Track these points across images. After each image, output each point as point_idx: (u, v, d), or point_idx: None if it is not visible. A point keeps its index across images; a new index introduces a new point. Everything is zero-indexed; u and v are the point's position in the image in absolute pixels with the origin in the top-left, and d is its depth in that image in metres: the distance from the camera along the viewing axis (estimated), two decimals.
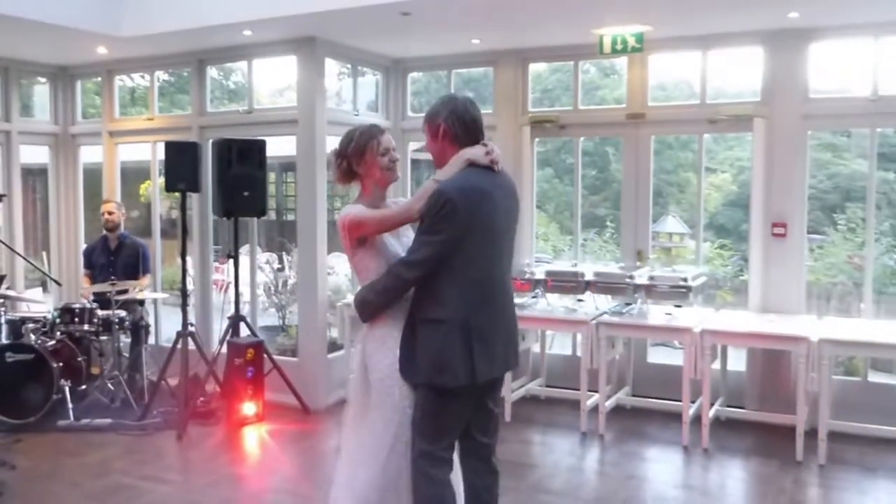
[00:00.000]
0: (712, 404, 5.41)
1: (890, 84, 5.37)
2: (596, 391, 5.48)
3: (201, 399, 5.93)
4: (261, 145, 5.98)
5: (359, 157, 3.09)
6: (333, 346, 6.46)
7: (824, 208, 11.70)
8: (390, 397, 3.03)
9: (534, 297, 5.92)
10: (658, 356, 6.64)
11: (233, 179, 5.82)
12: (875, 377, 5.82)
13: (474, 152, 3.02)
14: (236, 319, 6.09)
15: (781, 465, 4.90)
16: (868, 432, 5.22)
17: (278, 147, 7.12)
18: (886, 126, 6.10)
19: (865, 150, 11.96)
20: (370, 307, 3.05)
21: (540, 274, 5.83)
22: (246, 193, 5.88)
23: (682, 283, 5.30)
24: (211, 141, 6.35)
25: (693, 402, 5.27)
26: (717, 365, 5.65)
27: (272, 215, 13.66)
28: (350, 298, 5.10)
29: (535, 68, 7.08)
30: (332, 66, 6.61)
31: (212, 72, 7.04)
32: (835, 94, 5.71)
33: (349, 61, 6.64)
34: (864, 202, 6.12)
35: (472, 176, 2.98)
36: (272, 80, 12.88)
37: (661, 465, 5.08)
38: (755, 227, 5.68)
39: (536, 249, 8.80)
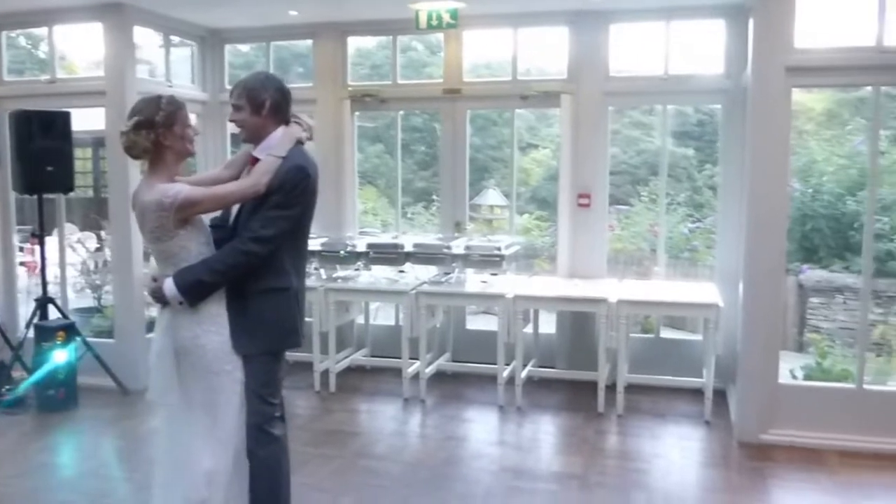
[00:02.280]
0: (525, 365, 5.76)
1: (679, 64, 5.86)
2: (418, 359, 5.68)
3: (7, 387, 5.59)
4: (65, 117, 5.67)
5: (168, 128, 2.97)
6: (152, 325, 6.25)
7: (633, 181, 12.58)
8: (230, 376, 3.04)
9: (356, 269, 6.01)
10: (478, 323, 6.95)
11: (35, 153, 5.49)
12: (666, 333, 6.40)
13: (299, 130, 3.13)
14: (44, 302, 5.77)
15: (586, 417, 5.31)
16: (660, 383, 5.76)
17: (93, 120, 6.74)
18: (676, 103, 6.64)
19: (668, 127, 12.89)
20: (206, 288, 3.01)
21: (362, 247, 5.92)
22: (50, 168, 5.56)
23: (496, 252, 5.57)
24: (8, 112, 5.94)
25: (508, 364, 5.57)
26: (530, 329, 6.02)
27: (89, 192, 12.98)
28: None
29: (363, 44, 7.13)
30: (151, 36, 6.36)
31: (16, 38, 6.54)
32: (632, 72, 6.12)
33: (161, 30, 6.39)
34: (668, 175, 6.66)
35: (304, 152, 3.13)
36: (87, 50, 12.14)
37: (479, 425, 5.35)
38: (563, 198, 6.04)
39: (365, 224, 8.91)
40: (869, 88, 4.86)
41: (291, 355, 6.47)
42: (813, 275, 8.24)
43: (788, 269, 8.41)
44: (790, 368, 6.03)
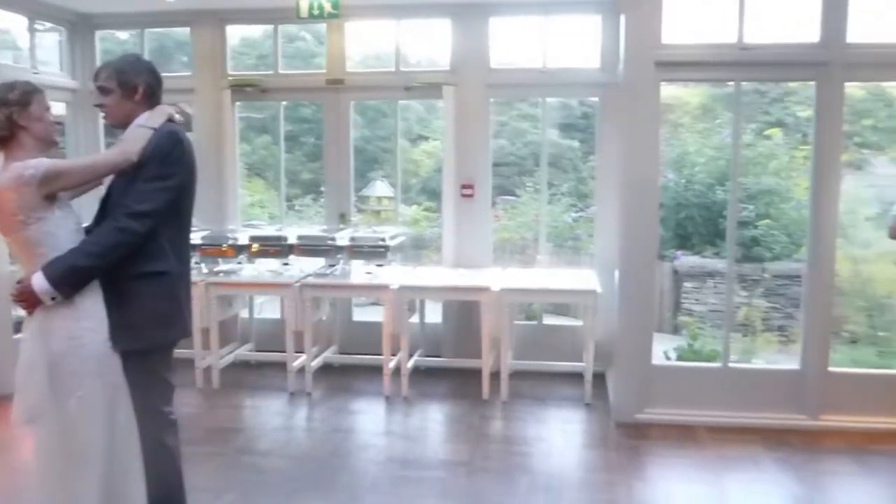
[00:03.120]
0: (412, 356, 5.80)
1: (558, 58, 6.01)
2: (304, 352, 5.62)
3: None
4: None
5: (23, 108, 2.76)
6: (20, 325, 5.93)
7: (520, 172, 12.82)
8: (113, 382, 2.79)
9: (239, 262, 5.89)
10: (366, 315, 6.94)
11: None
12: (550, 320, 6.58)
13: (170, 108, 2.99)
14: None
15: (471, 404, 5.40)
16: (543, 368, 5.93)
17: None
18: (555, 96, 6.80)
19: (553, 119, 13.18)
20: (82, 275, 2.73)
21: (244, 239, 5.81)
22: None
23: (381, 243, 5.58)
24: None
25: (395, 355, 5.59)
26: (417, 319, 6.06)
27: None
28: None
29: (249, 32, 6.97)
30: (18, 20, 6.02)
31: None
32: (513, 65, 6.24)
33: (25, 13, 6.05)
34: (553, 166, 6.82)
35: (177, 127, 2.98)
36: None
37: (366, 416, 5.35)
38: (447, 189, 6.10)
39: (253, 217, 8.73)
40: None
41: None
42: (686, 261, 8.66)
43: (664, 256, 8.81)
44: (665, 350, 6.32)
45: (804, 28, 4.87)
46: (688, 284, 8.45)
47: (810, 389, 4.95)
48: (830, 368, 5.00)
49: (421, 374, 5.98)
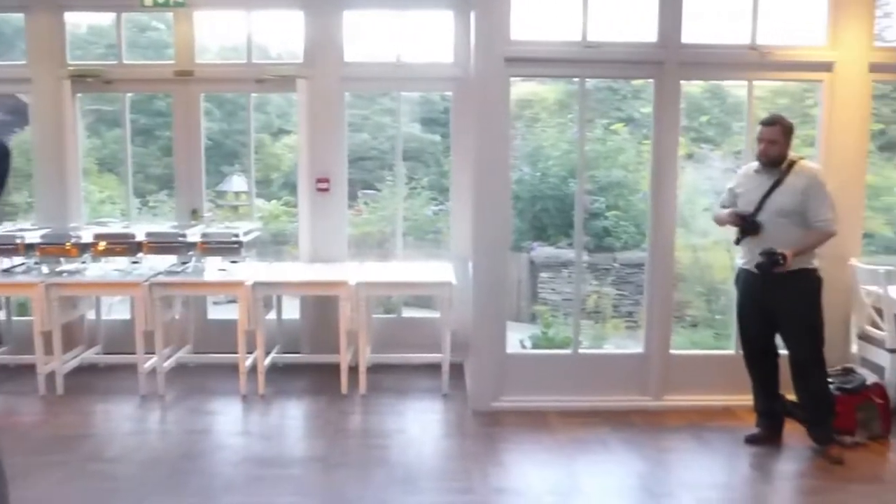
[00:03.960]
0: (269, 353, 5.70)
1: (412, 52, 6.05)
2: (155, 353, 5.40)
3: None
4: None
5: None
6: None
7: (383, 166, 12.82)
8: None
9: (83, 262, 5.59)
10: (221, 313, 6.75)
11: None
12: (409, 312, 6.63)
13: None
14: None
15: (330, 399, 5.37)
16: (402, 361, 5.98)
17: None
18: (409, 90, 6.83)
19: (416, 114, 13.23)
20: None
21: (89, 237, 5.51)
22: None
23: (234, 239, 5.43)
24: None
25: (251, 353, 5.47)
26: (274, 315, 5.96)
27: None
28: None
29: (98, 20, 6.59)
30: None
31: None
32: (367, 59, 6.21)
33: None
34: (415, 160, 6.85)
35: None
36: None
37: (221, 417, 5.21)
38: (302, 183, 6.02)
39: (104, 214, 8.29)
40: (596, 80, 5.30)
41: (12, 359, 5.96)
42: (542, 251, 8.93)
43: (521, 247, 9.06)
44: (521, 339, 6.52)
45: (643, 28, 5.12)
46: (544, 274, 8.72)
47: (653, 371, 5.24)
48: (672, 351, 5.31)
49: (279, 372, 5.88)
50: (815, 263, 4.45)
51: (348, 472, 4.28)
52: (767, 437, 4.70)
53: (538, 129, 10.04)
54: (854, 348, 5.29)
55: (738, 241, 4.59)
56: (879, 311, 5.01)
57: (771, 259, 4.30)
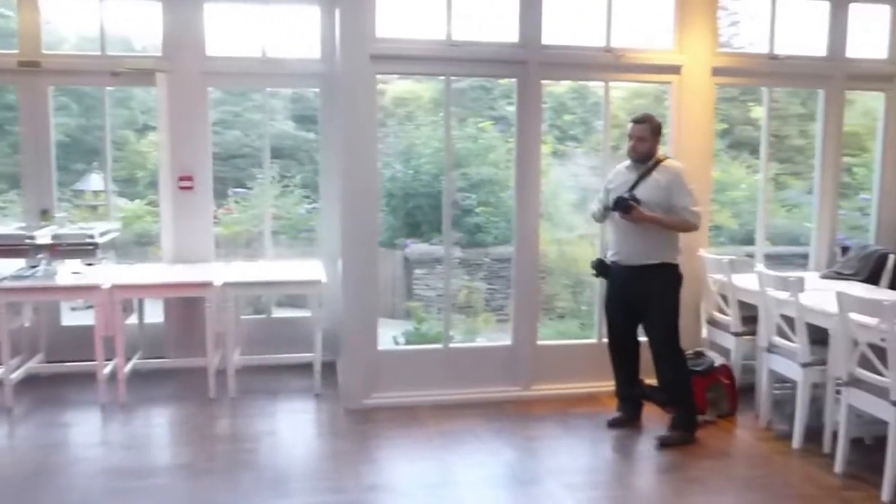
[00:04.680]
0: (130, 359, 5.47)
1: (278, 47, 5.93)
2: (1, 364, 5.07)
3: None
4: None
5: None
6: None
7: (255, 164, 12.52)
8: None
9: None
10: (77, 318, 6.41)
11: None
12: (281, 312, 6.53)
13: None
14: None
15: (197, 405, 5.21)
16: (273, 362, 5.86)
17: None
18: (275, 86, 6.69)
19: (291, 111, 12.98)
20: None
21: None
22: None
23: (88, 240, 5.17)
24: None
25: (111, 359, 5.23)
26: (135, 319, 5.72)
27: None
28: None
29: None
30: None
31: None
32: (231, 54, 6.04)
33: None
34: (289, 158, 6.72)
35: None
36: None
37: (78, 428, 4.95)
38: (164, 181, 5.81)
39: None
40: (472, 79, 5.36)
41: None
42: (416, 248, 9.00)
43: (395, 244, 9.09)
44: (394, 335, 6.54)
45: (506, 29, 5.25)
46: (418, 271, 8.78)
47: (522, 362, 5.38)
48: (539, 342, 5.47)
49: (142, 378, 5.65)
50: (678, 259, 4.67)
51: (215, 478, 4.17)
52: (628, 421, 4.92)
53: (411, 127, 10.10)
54: (704, 333, 5.61)
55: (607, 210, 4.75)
56: (725, 298, 5.35)
57: (624, 203, 4.48)
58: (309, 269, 5.68)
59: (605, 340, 5.12)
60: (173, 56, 5.74)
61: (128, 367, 5.31)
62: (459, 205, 8.79)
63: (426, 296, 8.49)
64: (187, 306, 5.78)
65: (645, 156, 4.61)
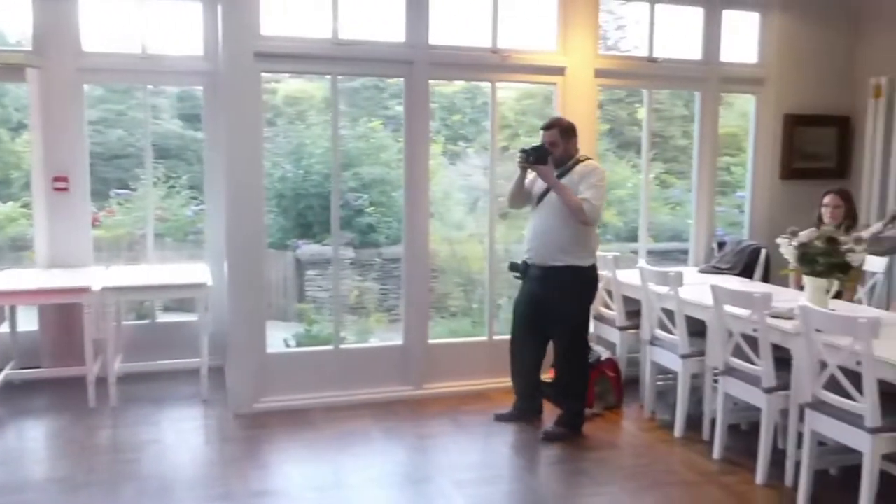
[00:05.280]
0: (3, 369, 5.18)
1: (158, 44, 5.74)
2: None
3: None
4: None
5: None
6: None
7: (139, 164, 12.06)
8: None
9: None
10: None
11: None
12: (167, 317, 6.32)
13: None
14: None
15: (76, 415, 4.98)
16: (158, 368, 5.66)
17: None
18: (155, 83, 6.49)
19: (178, 109, 12.57)
20: None
21: None
22: None
23: None
24: None
25: None
26: (6, 328, 5.42)
27: None
28: None
29: None
30: None
31: None
32: (109, 49, 5.79)
33: None
34: (177, 158, 6.49)
35: None
36: None
37: None
38: (37, 182, 5.54)
39: None
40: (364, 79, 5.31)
41: None
42: (308, 249, 8.89)
43: (287, 245, 8.96)
44: (285, 337, 6.44)
45: (394, 28, 5.25)
46: (310, 272, 8.68)
47: (413, 361, 5.39)
48: (430, 341, 5.49)
49: (15, 389, 5.36)
50: (590, 262, 4.71)
51: (95, 490, 4.00)
52: (520, 417, 5.00)
53: (301, 127, 9.95)
54: (592, 328, 5.77)
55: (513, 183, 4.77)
56: (610, 294, 5.52)
57: (542, 150, 4.53)
58: (194, 272, 5.53)
59: (498, 338, 5.22)
60: (45, 51, 5.46)
61: (0, 378, 5.02)
62: (351, 205, 8.73)
63: (319, 297, 8.40)
64: (64, 313, 5.52)
65: (560, 159, 4.62)
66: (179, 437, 4.79)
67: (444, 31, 5.32)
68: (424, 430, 4.90)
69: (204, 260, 5.93)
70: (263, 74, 5.05)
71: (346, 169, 9.03)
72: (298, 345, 5.98)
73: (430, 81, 5.33)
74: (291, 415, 5.03)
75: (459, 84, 9.61)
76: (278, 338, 6.50)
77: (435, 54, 5.24)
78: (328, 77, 5.30)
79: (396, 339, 5.60)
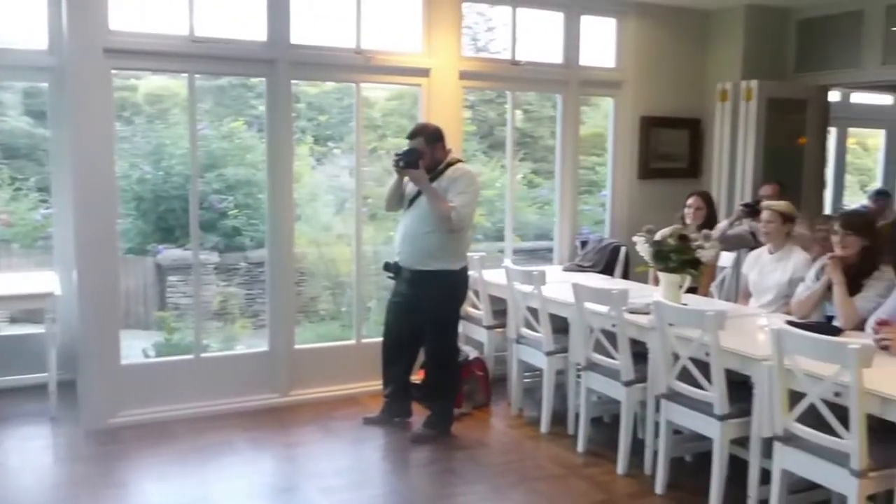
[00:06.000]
0: None
1: (2, 35, 5.34)
2: None
3: None
4: None
5: None
6: None
7: None
8: None
9: None
10: None
11: None
12: (10, 330, 5.90)
13: None
14: None
15: None
16: (1, 385, 5.27)
17: None
18: None
19: (29, 107, 11.77)
20: None
21: None
22: None
23: None
24: None
25: None
26: None
27: None
28: None
29: None
30: None
31: None
32: None
33: None
34: (25, 158, 6.04)
35: None
36: None
37: None
38: None
39: None
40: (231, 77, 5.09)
41: None
42: (170, 254, 8.51)
43: (146, 250, 8.55)
44: (144, 347, 6.14)
45: (254, 26, 5.10)
46: (172, 278, 8.32)
47: (279, 368, 5.26)
48: (296, 346, 5.38)
49: None
50: (460, 265, 4.71)
51: None
52: (389, 420, 4.97)
53: (162, 126, 9.51)
54: (460, 328, 5.81)
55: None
56: (477, 294, 5.58)
57: (413, 154, 4.49)
58: (40, 280, 5.17)
59: (367, 341, 5.15)
60: None
61: None
62: (216, 207, 8.43)
63: (182, 304, 8.06)
64: None
65: (429, 166, 4.56)
66: (24, 458, 4.46)
67: (308, 30, 5.22)
68: (292, 438, 4.79)
69: (53, 267, 5.55)
70: (117, 71, 4.78)
71: (210, 170, 8.71)
72: (158, 354, 5.71)
73: (294, 81, 5.22)
74: (151, 429, 4.79)
75: (330, 84, 9.47)
76: (137, 348, 6.20)
77: (297, 54, 5.13)
78: (185, 75, 5.07)
79: (262, 346, 5.44)
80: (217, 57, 4.98)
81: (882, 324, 3.58)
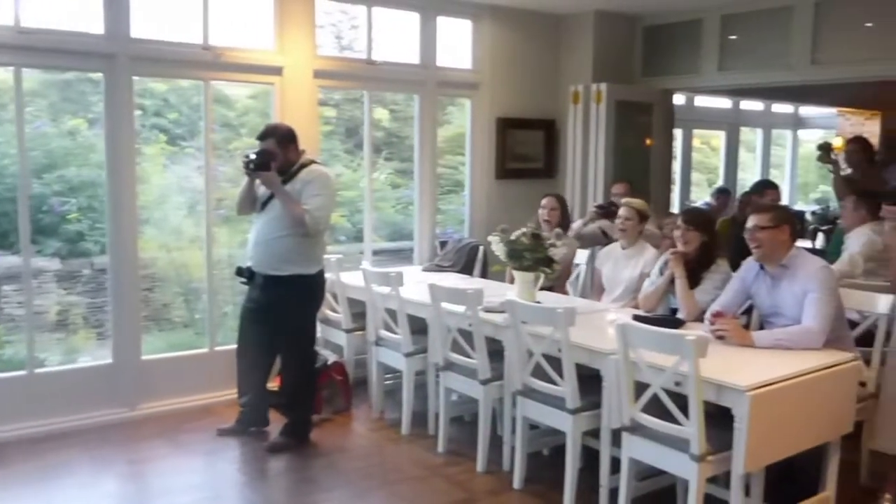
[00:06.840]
0: None
1: None
2: None
3: None
4: None
5: None
6: None
7: None
8: None
9: None
10: None
11: None
12: None
13: None
14: None
15: None
16: None
17: None
18: None
19: None
20: None
21: None
22: None
23: None
24: None
25: None
26: None
27: None
28: None
29: None
30: None
31: None
32: None
33: None
34: None
35: None
36: None
37: None
38: None
39: None
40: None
41: None
42: (5, 261, 7.88)
43: None
44: None
45: (91, 18, 4.79)
46: (6, 287, 7.71)
47: (125, 381, 4.98)
48: (143, 357, 5.09)
49: None
50: (316, 269, 4.58)
51: None
52: (245, 430, 4.79)
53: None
54: (319, 331, 5.69)
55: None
56: (336, 296, 5.47)
57: (264, 157, 4.32)
58: None
59: (221, 348, 4.94)
60: None
61: None
62: (56, 211, 7.87)
63: (17, 315, 7.47)
64: None
65: (280, 168, 4.39)
66: None
67: (152, 24, 4.95)
68: (139, 455, 4.53)
69: None
70: None
71: (49, 170, 8.12)
72: None
73: (136, 77, 4.94)
74: None
75: (185, 81, 9.08)
76: None
77: (139, 48, 4.86)
78: (11, 69, 4.69)
79: (106, 358, 5.11)
80: (47, 49, 4.64)
81: (717, 315, 3.77)
